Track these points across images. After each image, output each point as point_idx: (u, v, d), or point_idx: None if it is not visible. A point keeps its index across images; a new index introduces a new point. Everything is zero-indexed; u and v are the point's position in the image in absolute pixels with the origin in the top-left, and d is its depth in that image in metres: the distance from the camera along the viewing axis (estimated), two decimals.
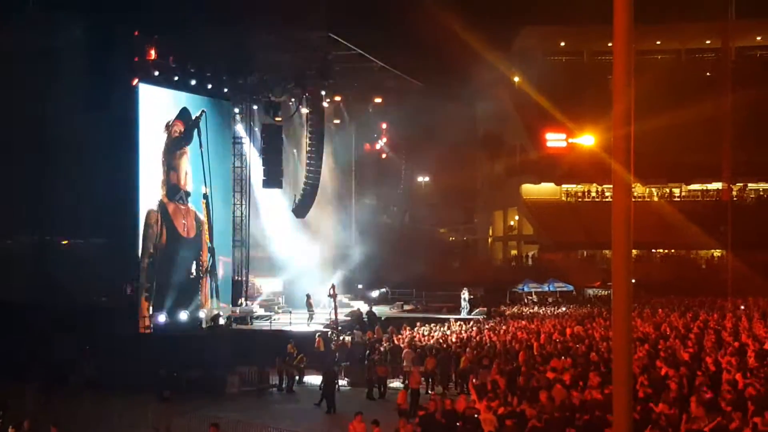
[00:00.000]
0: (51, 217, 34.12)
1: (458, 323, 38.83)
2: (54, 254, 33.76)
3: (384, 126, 56.56)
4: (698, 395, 16.97)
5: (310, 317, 40.63)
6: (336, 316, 38.82)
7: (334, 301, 39.74)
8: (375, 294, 51.29)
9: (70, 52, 32.30)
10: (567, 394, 19.01)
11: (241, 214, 43.78)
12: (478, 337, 33.60)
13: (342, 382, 31.31)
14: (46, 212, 33.92)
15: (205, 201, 40.74)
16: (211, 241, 41.21)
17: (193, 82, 38.89)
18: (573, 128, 67.41)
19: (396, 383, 29.97)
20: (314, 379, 31.09)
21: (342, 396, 29.03)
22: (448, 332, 35.94)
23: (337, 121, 50.92)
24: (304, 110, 44.55)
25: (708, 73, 78.22)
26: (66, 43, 32.25)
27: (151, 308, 36.04)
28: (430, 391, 27.52)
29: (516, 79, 74.72)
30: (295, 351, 32.03)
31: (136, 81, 35.67)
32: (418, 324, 38.23)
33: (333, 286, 40.72)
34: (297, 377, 31.63)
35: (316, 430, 25.38)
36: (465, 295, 45.84)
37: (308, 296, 41.90)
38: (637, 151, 9.47)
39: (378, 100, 52.34)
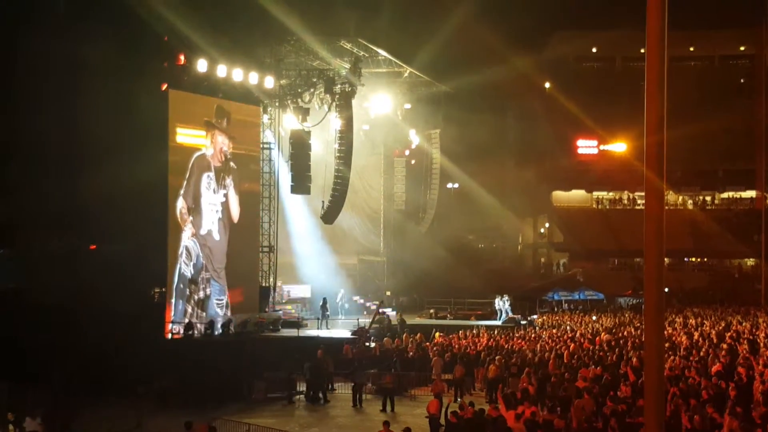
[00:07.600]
0: (80, 222, 34.13)
1: (483, 330, 38.68)
2: (82, 259, 33.68)
3: (413, 132, 56.41)
4: (731, 407, 16.67)
5: (326, 322, 41.32)
6: (371, 325, 39.04)
7: (376, 312, 40.89)
8: (404, 301, 51.14)
9: (99, 58, 32.37)
10: (596, 403, 18.81)
11: (269, 219, 43.72)
12: (507, 345, 33.38)
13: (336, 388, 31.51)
14: (75, 217, 33.95)
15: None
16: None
17: (223, 87, 38.91)
18: (604, 135, 67.12)
19: (425, 391, 29.82)
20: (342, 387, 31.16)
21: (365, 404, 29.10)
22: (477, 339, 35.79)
23: (366, 127, 50.79)
24: (333, 116, 44.47)
25: (742, 80, 77.43)
26: (96, 49, 32.30)
27: (177, 313, 36.09)
28: (459, 399, 27.28)
29: (547, 85, 74.37)
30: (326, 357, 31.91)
31: (165, 86, 35.77)
32: (442, 332, 38.18)
33: (380, 302, 43.53)
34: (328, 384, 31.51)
35: None
36: (504, 301, 45.62)
37: (324, 300, 42.33)
38: (669, 159, 9.30)
39: (407, 105, 52.24)
